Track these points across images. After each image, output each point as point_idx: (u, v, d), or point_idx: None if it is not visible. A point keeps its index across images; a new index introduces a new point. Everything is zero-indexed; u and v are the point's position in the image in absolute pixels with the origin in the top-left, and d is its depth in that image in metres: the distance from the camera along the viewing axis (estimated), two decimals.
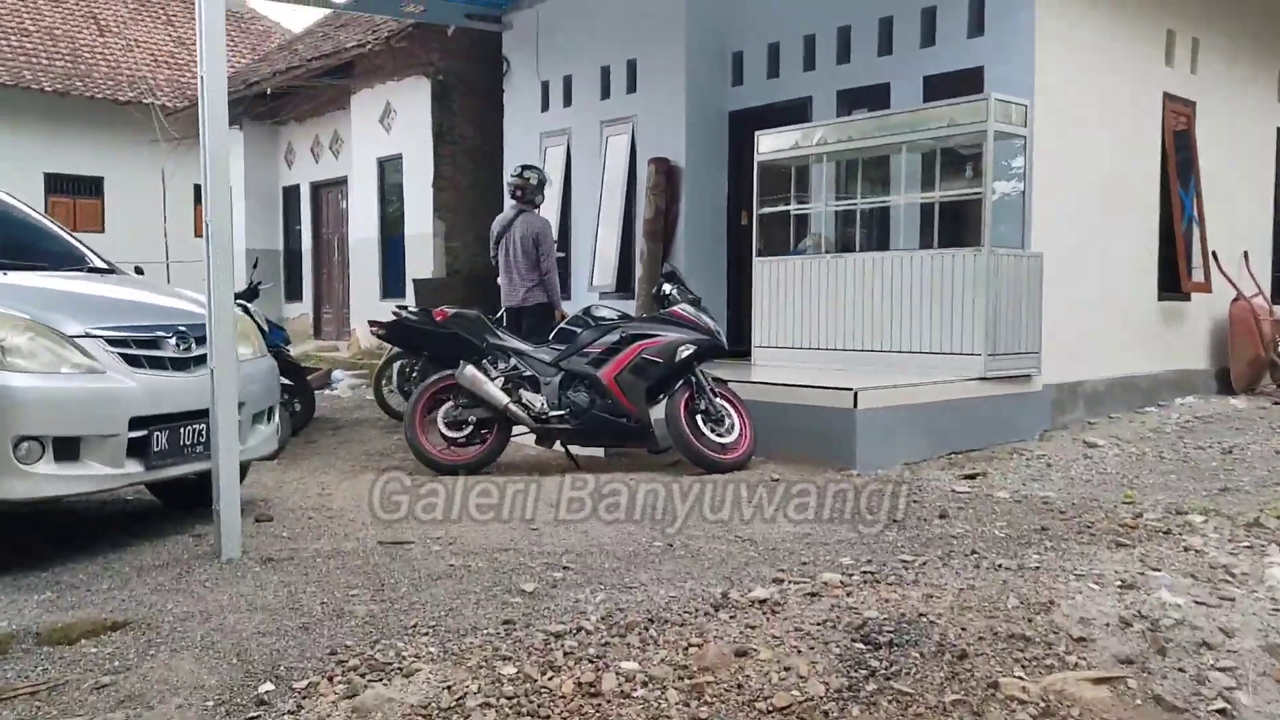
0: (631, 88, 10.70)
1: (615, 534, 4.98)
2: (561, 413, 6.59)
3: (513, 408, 6.51)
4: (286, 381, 7.62)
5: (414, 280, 11.98)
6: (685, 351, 6.60)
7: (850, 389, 6.67)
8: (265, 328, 8.24)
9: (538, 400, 6.59)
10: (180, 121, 17.99)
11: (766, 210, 9.10)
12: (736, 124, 10.27)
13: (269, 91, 14.70)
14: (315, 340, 15.65)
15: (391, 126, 12.95)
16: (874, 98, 9.09)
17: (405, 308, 10.03)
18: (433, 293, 11.66)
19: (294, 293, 16.43)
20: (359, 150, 13.60)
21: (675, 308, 6.77)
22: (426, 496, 5.81)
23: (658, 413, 6.73)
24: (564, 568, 4.39)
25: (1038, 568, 4.31)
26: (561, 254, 10.78)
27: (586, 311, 6.87)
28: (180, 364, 4.83)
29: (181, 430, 4.75)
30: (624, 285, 10.58)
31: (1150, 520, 5.11)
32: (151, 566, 4.48)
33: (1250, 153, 10.77)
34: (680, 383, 6.63)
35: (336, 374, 12.25)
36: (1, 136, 19.27)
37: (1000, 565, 4.34)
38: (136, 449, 4.58)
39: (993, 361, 7.49)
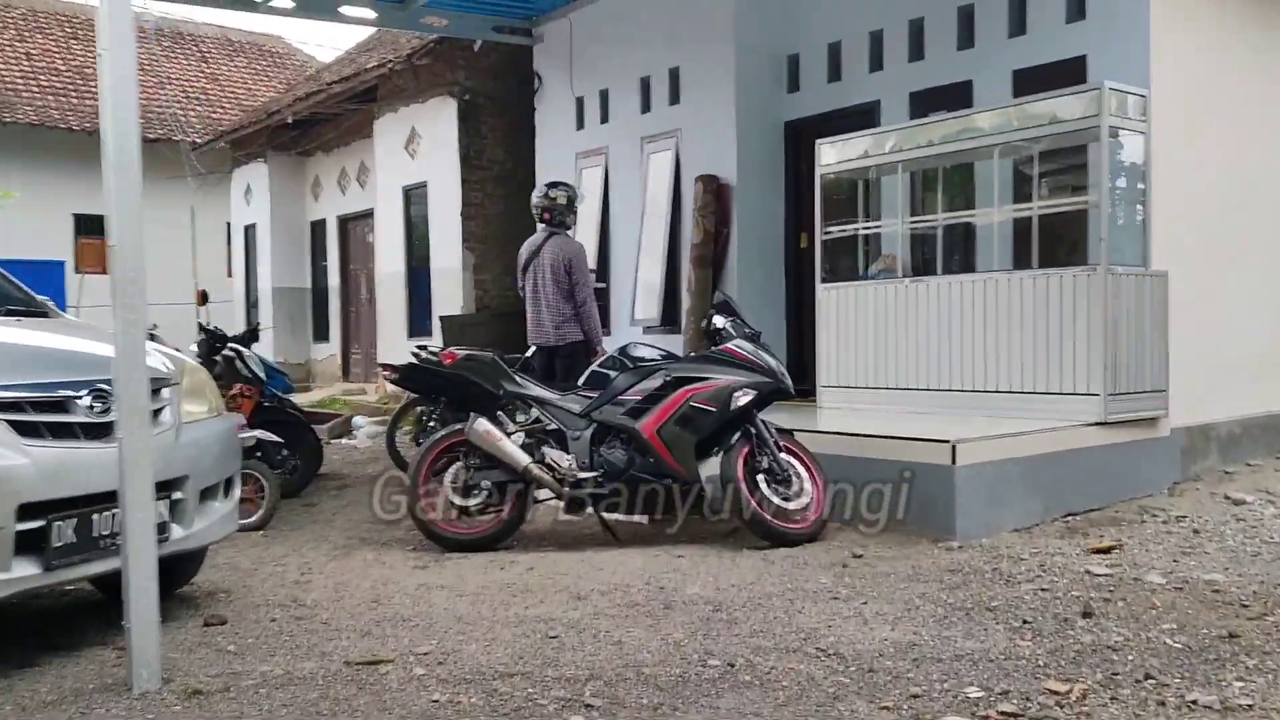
0: (675, 99, 9.61)
1: (658, 645, 3.80)
2: (594, 474, 5.43)
3: (534, 469, 5.37)
4: (273, 439, 6.56)
5: (440, 317, 10.95)
6: (743, 397, 5.43)
7: (947, 441, 5.44)
8: (261, 374, 7.23)
9: (565, 459, 5.44)
10: (208, 157, 17.29)
11: (832, 230, 7.92)
12: (794, 135, 9.13)
13: (291, 120, 13.86)
14: (343, 383, 14.70)
15: (416, 152, 12.00)
16: (953, 98, 7.89)
17: (424, 348, 9.01)
18: (460, 330, 10.63)
19: (321, 333, 15.51)
20: (383, 179, 12.68)
21: (729, 345, 5.60)
22: (418, 590, 4.67)
23: (711, 469, 5.56)
24: (586, 706, 3.22)
25: (1249, 708, 3.05)
26: (601, 284, 9.69)
27: (623, 351, 5.73)
28: (95, 431, 3.76)
29: (94, 518, 3.67)
30: (670, 319, 9.44)
31: None
32: (45, 701, 3.38)
33: None
34: (737, 435, 5.46)
35: (357, 420, 11.24)
36: (31, 176, 18.73)
37: (1194, 702, 3.10)
38: (30, 544, 3.50)
39: (1113, 403, 6.21)
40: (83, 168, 19.22)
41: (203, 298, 7.63)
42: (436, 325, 11.07)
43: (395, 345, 12.49)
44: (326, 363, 15.40)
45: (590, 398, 5.59)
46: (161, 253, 19.41)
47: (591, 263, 9.98)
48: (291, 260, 15.64)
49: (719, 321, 5.71)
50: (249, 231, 16.48)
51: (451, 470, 5.50)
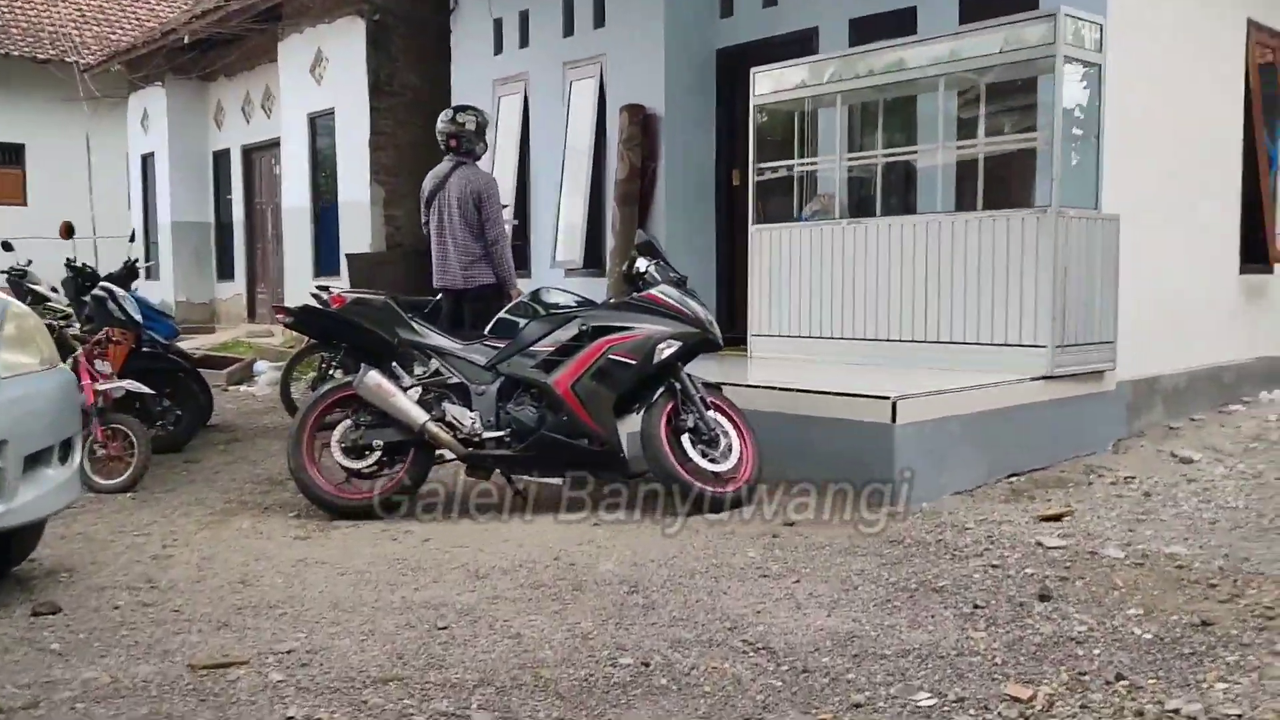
0: (599, 21, 8.93)
1: (563, 638, 3.29)
2: (500, 433, 4.88)
3: (432, 427, 4.79)
4: (144, 390, 5.87)
5: (347, 256, 10.22)
6: (666, 349, 4.90)
7: (886, 397, 4.99)
8: (136, 316, 6.49)
9: (468, 417, 4.87)
10: (105, 80, 16.08)
11: (766, 168, 7.39)
12: (727, 63, 8.53)
13: (188, 41, 12.83)
14: (249, 324, 13.87)
15: (323, 77, 11.14)
16: (896, 26, 7.35)
17: (326, 288, 8.33)
18: (370, 270, 9.92)
19: (226, 271, 14.60)
20: (288, 106, 11.79)
21: (652, 291, 5.05)
22: (294, 567, 4.10)
23: (631, 427, 5.06)
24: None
25: (1239, 717, 2.65)
26: (515, 221, 9.05)
27: (534, 297, 5.16)
28: None
29: None
30: (593, 261, 8.86)
31: None
32: None
33: None
34: (660, 391, 4.94)
35: (259, 365, 10.49)
36: None
37: (1176, 712, 2.68)
38: None
39: (1061, 355, 5.82)
40: None
41: (67, 230, 6.83)
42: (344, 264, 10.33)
43: (301, 285, 11.70)
44: (231, 303, 14.52)
45: (497, 348, 5.02)
46: (56, 183, 18.25)
47: (507, 198, 9.35)
48: (193, 193, 14.63)
49: (642, 265, 5.16)
50: (146, 161, 15.39)
51: (340, 428, 4.91)
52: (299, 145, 11.65)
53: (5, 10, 18.76)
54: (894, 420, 4.96)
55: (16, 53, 17.86)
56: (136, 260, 7.14)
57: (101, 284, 6.54)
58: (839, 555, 4.16)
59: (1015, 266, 5.90)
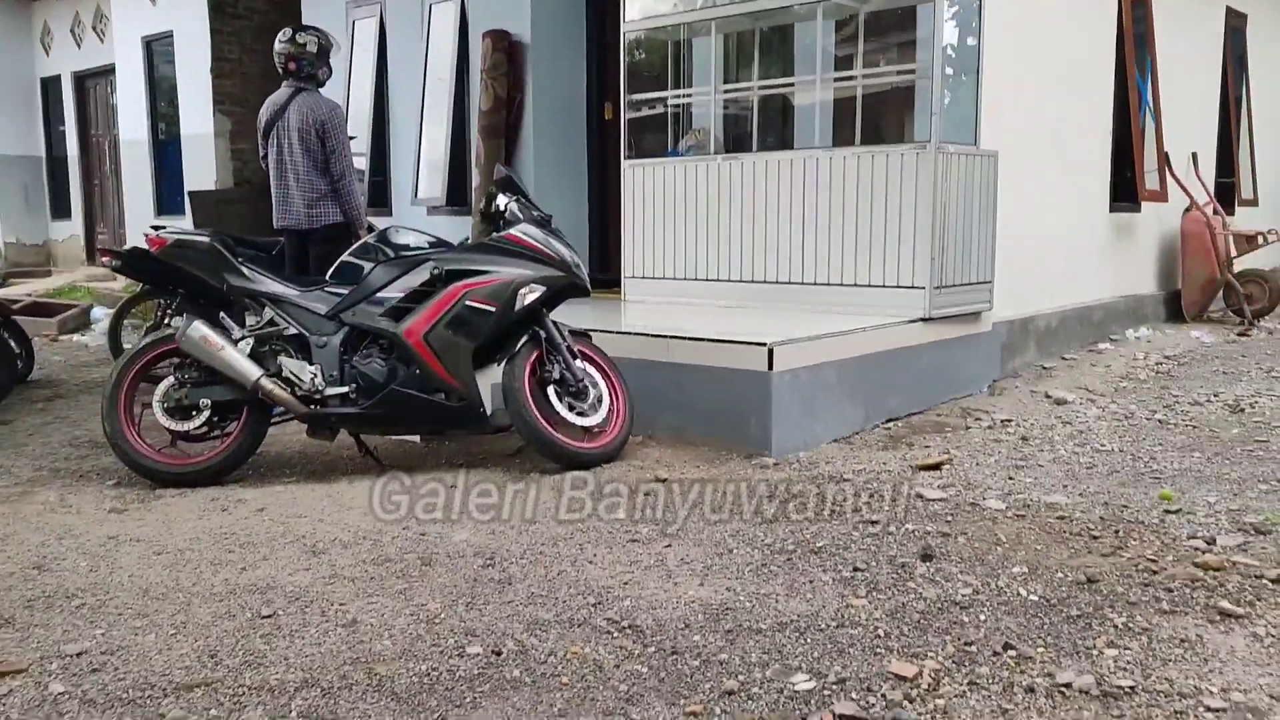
0: None
1: (405, 623, 2.92)
2: (345, 390, 4.43)
3: (267, 384, 4.32)
4: None
5: (190, 194, 9.43)
6: (530, 295, 4.52)
7: (763, 344, 4.72)
8: None
9: (307, 371, 4.41)
10: None
11: (638, 100, 7.00)
12: None
13: None
14: (87, 267, 12.85)
15: None
16: None
17: (160, 228, 7.59)
18: (215, 209, 9.17)
19: (62, 209, 13.46)
20: (120, 28, 10.78)
21: (513, 231, 4.64)
22: (103, 547, 3.61)
23: (492, 378, 4.67)
24: None
25: (1132, 689, 2.48)
26: (364, 154, 8.45)
27: (382, 238, 4.68)
28: None
29: None
30: (457, 198, 8.34)
31: (1235, 554, 3.35)
32: None
33: (1200, 40, 9.18)
34: (524, 340, 4.56)
35: (96, 312, 9.70)
36: None
37: (1068, 686, 2.49)
38: None
39: (939, 297, 5.67)
40: None
41: None
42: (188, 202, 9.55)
43: (144, 224, 10.83)
44: (68, 244, 13.43)
45: (341, 295, 4.54)
46: None
47: (362, 130, 8.74)
48: (19, 123, 13.38)
49: (501, 202, 4.73)
50: None
51: (162, 386, 4.38)
52: (134, 72, 10.68)
53: None
54: (770, 368, 4.70)
55: None
56: None
57: None
58: (713, 514, 3.89)
59: (894, 205, 5.70)
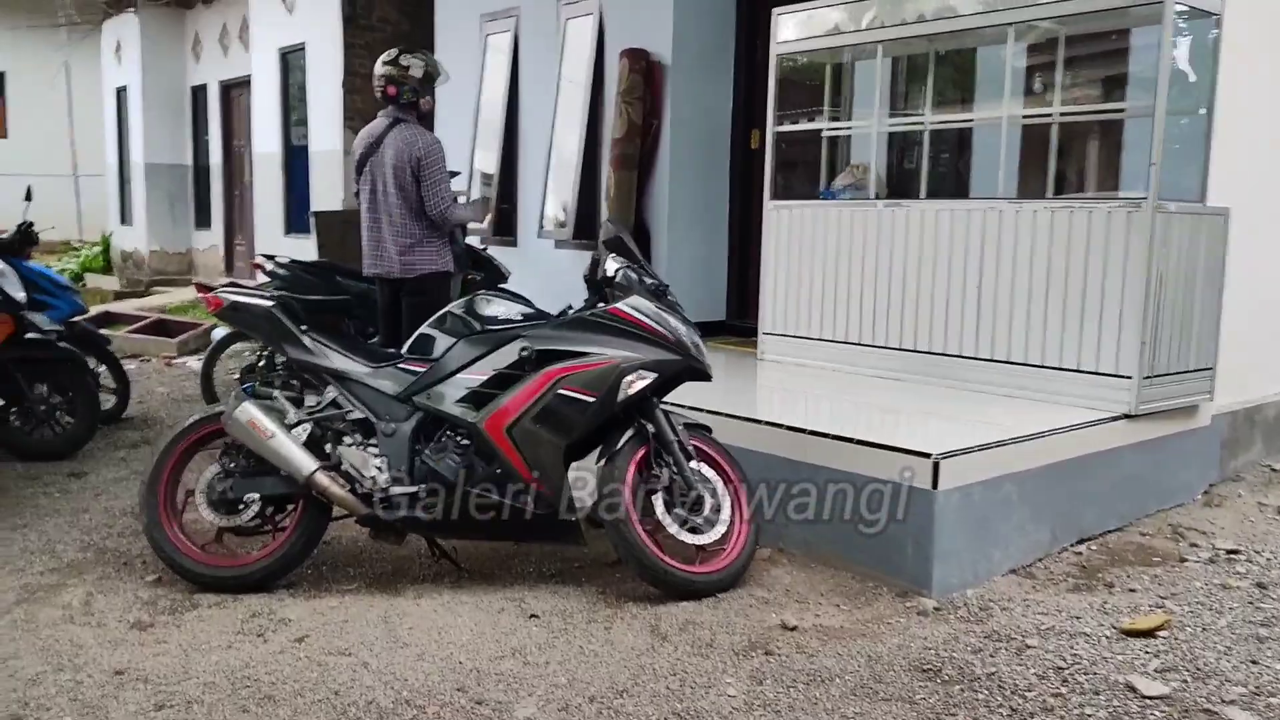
0: None
1: None
2: (413, 490, 3.71)
3: (323, 480, 3.64)
4: None
5: (314, 214, 9.03)
6: (637, 383, 3.71)
7: (927, 455, 3.77)
8: (16, 295, 5.38)
9: (372, 465, 3.71)
10: (87, 4, 14.78)
11: (788, 130, 6.13)
12: (748, 2, 7.20)
13: None
14: (225, 278, 12.74)
15: (295, 6, 9.85)
16: None
17: (271, 257, 7.15)
18: (339, 229, 8.72)
19: (204, 219, 13.44)
20: (258, 38, 10.54)
21: (621, 305, 3.83)
22: (101, 690, 2.95)
23: (587, 480, 3.88)
24: None
25: None
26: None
27: (469, 307, 3.94)
28: None
29: None
30: (586, 231, 7.62)
31: None
32: None
33: None
34: (627, 435, 3.75)
35: (218, 333, 9.35)
36: None
37: None
38: None
39: (1149, 389, 4.58)
40: None
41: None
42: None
43: (273, 243, 10.56)
44: (208, 254, 13.40)
45: (416, 373, 3.83)
46: (36, 115, 17.10)
47: (489, 157, 8.14)
48: (168, 132, 13.43)
49: (610, 267, 3.93)
50: (120, 96, 14.18)
51: (205, 476, 3.77)
52: (269, 83, 10.41)
53: None
54: (935, 485, 3.75)
55: None
56: (31, 224, 5.98)
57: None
58: (852, 696, 3.00)
59: (1096, 273, 4.65)
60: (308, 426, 3.74)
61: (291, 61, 10.10)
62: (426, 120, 5.20)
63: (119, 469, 5.43)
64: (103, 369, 6.37)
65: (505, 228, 8.36)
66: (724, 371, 5.29)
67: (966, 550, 3.90)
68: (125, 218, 14.20)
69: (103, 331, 9.44)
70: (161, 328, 9.49)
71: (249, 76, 11.70)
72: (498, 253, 7.51)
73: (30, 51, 16.26)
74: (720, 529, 3.80)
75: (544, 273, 7.85)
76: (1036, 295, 4.85)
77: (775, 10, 5.91)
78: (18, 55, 16.62)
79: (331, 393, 3.81)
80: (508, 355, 3.74)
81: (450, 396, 3.75)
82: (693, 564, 3.73)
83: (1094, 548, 4.36)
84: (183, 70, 13.38)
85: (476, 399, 3.73)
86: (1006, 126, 5.10)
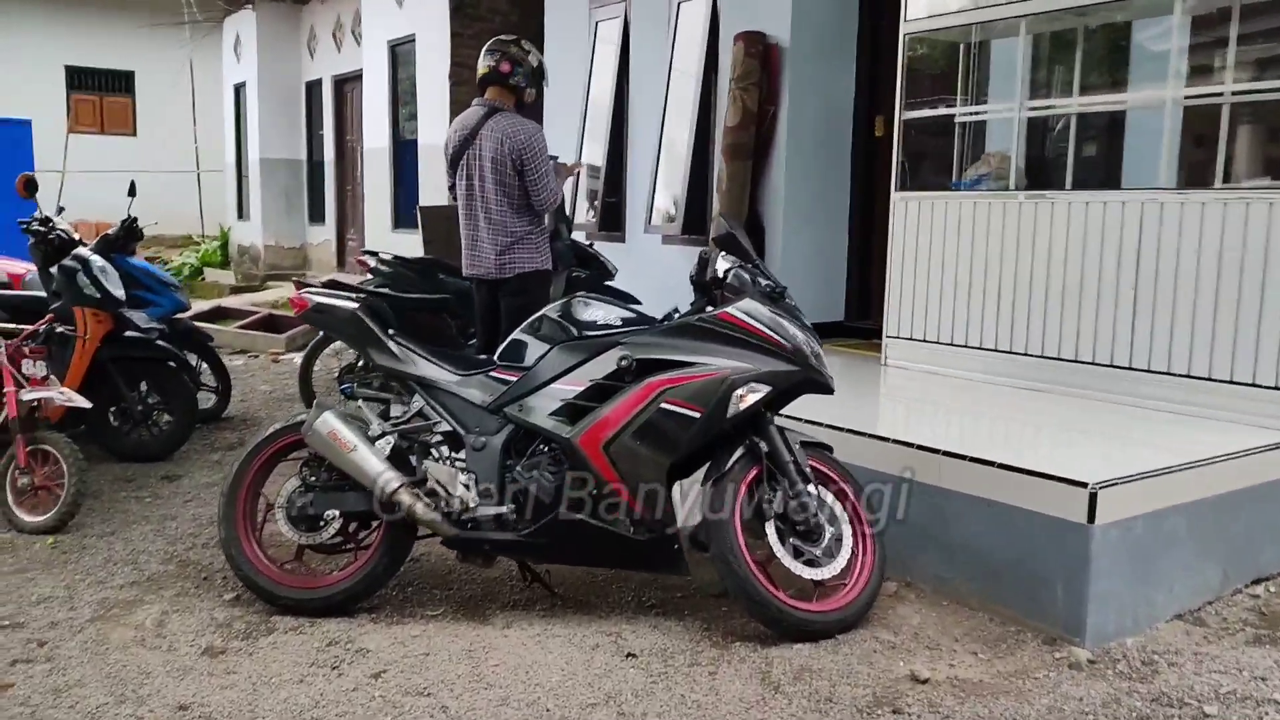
0: None
1: None
2: (502, 510, 3.40)
3: (406, 498, 3.35)
4: (81, 404, 4.59)
5: (420, 209, 8.87)
6: (749, 396, 3.32)
7: (1082, 484, 3.29)
8: (116, 291, 5.27)
9: (459, 482, 3.41)
10: (207, 2, 15.03)
11: (915, 116, 5.64)
12: None
13: None
14: (338, 273, 12.77)
15: None
16: None
17: (374, 254, 6.99)
18: (443, 225, 8.52)
19: (317, 213, 13.52)
20: (369, 32, 10.46)
21: (731, 309, 3.45)
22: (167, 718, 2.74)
23: (692, 502, 3.51)
24: None
25: None
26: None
27: (565, 312, 3.60)
28: None
29: None
30: (696, 226, 7.24)
31: None
32: None
33: None
34: (738, 454, 3.38)
35: None
36: (16, 24, 16.79)
37: None
38: None
39: None
40: (76, 15, 17.26)
41: (26, 186, 5.53)
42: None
43: (381, 238, 10.49)
44: (322, 248, 13.48)
45: (507, 381, 3.52)
46: (163, 112, 17.56)
47: (597, 147, 7.83)
48: (284, 127, 13.55)
49: (721, 266, 3.55)
50: (239, 92, 14.39)
51: (285, 489, 3.53)
52: (378, 77, 10.32)
53: None
54: (1092, 520, 3.27)
55: None
56: (135, 219, 5.90)
57: (75, 253, 5.31)
58: None
59: (1277, 272, 4.06)
60: (392, 439, 3.47)
61: (401, 55, 9.98)
62: (526, 113, 4.88)
63: (212, 472, 5.29)
64: (205, 366, 6.28)
65: (612, 222, 8.04)
66: (844, 379, 4.83)
67: (1126, 592, 3.40)
68: (242, 213, 14.41)
69: (214, 327, 9.53)
70: (271, 323, 9.48)
71: (360, 71, 11.68)
72: (604, 248, 7.19)
73: (156, 50, 16.65)
74: (840, 562, 3.39)
75: (652, 270, 7.51)
76: (1204, 298, 4.28)
77: None
78: (145, 54, 17.06)
79: (418, 402, 3.53)
80: (606, 364, 3.40)
81: (543, 409, 3.43)
82: (809, 600, 3.33)
83: (1273, 589, 3.80)
84: (298, 65, 13.48)
85: (572, 411, 3.40)
86: (1170, 108, 4.52)
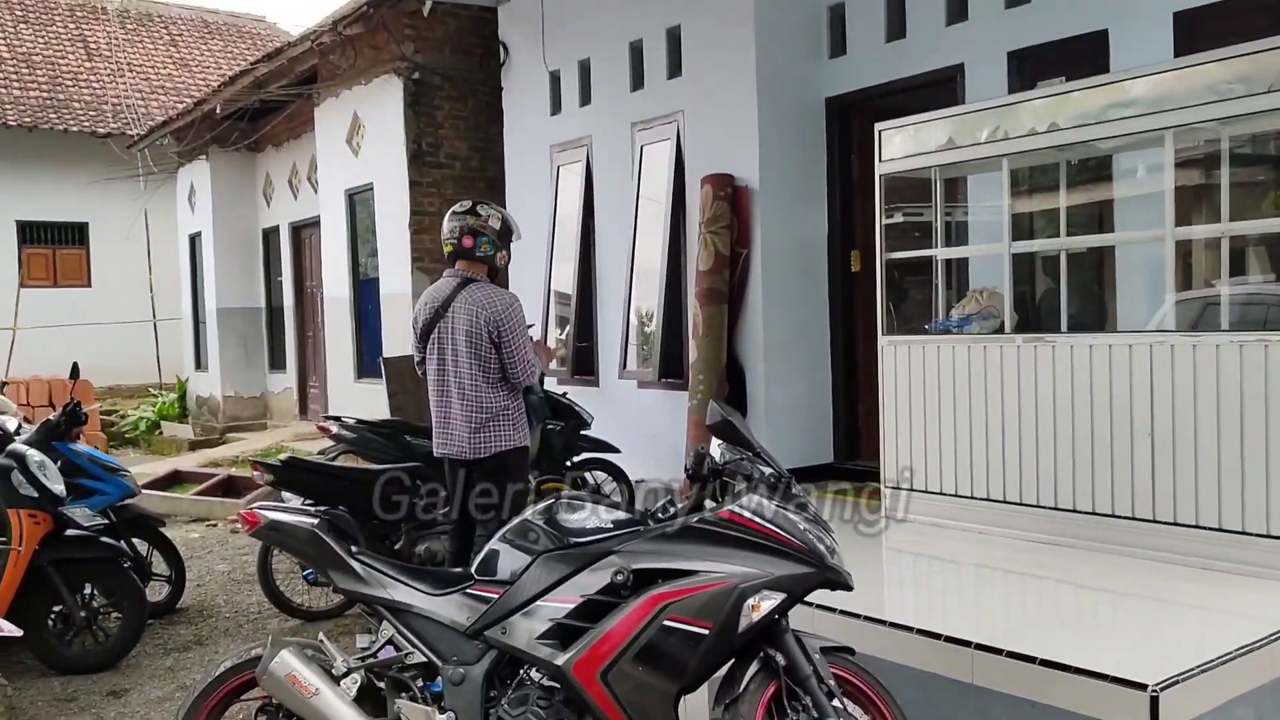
0: (675, 70, 7.11)
1: None
2: None
3: None
4: (12, 632, 4.13)
5: (384, 360, 8.56)
6: (762, 604, 2.95)
7: (1143, 686, 2.93)
8: (55, 488, 4.87)
9: None
10: (161, 154, 14.86)
11: (898, 258, 5.45)
12: (839, 116, 6.63)
13: (220, 113, 11.49)
14: (299, 422, 12.36)
15: (360, 146, 9.57)
16: (1074, 58, 5.37)
17: (336, 419, 6.63)
18: (408, 377, 8.19)
19: (278, 361, 13.15)
20: (325, 180, 10.28)
21: (734, 507, 3.10)
22: None
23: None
24: None
25: None
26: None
27: (549, 516, 3.23)
28: None
29: None
30: (672, 370, 6.96)
31: None
32: None
33: None
34: (752, 671, 2.99)
35: (287, 494, 8.84)
36: None
37: None
38: None
39: None
40: (27, 168, 17.04)
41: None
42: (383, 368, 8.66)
43: (343, 389, 10.13)
44: (282, 397, 13.06)
45: (487, 599, 3.13)
46: (118, 264, 17.24)
47: (561, 286, 7.62)
48: (241, 275, 13.26)
49: (717, 455, 3.22)
50: (194, 241, 14.13)
51: None
52: (338, 224, 10.10)
53: (70, 85, 18.00)
54: None
55: (77, 128, 17.01)
56: (78, 404, 5.51)
57: (9, 449, 4.92)
58: None
59: None
60: (359, 676, 3.05)
61: (358, 202, 9.79)
62: (498, 280, 4.61)
63: (164, 683, 4.79)
64: (156, 554, 5.82)
65: (585, 366, 7.76)
66: (847, 539, 4.43)
67: None
68: (200, 363, 14.02)
69: (169, 495, 9.05)
70: (230, 486, 9.02)
71: (318, 217, 11.47)
72: (577, 394, 6.91)
73: (110, 201, 16.43)
74: None
75: (629, 415, 7.23)
76: (1228, 445, 4.01)
77: (879, 126, 5.27)
78: (98, 206, 16.84)
79: (388, 629, 3.12)
80: (598, 577, 3.02)
81: (529, 630, 3.03)
82: None
83: None
84: (254, 213, 13.28)
85: (562, 633, 3.01)
86: (1171, 244, 4.33)
